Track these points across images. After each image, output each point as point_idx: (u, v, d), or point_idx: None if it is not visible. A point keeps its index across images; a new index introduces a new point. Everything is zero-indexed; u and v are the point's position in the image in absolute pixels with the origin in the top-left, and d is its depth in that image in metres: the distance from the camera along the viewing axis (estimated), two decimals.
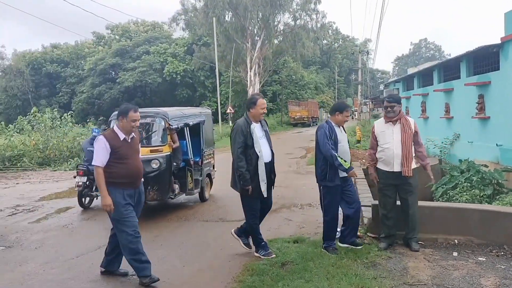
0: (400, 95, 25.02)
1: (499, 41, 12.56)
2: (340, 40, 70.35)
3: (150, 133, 7.10)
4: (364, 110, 38.90)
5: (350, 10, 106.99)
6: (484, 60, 14.23)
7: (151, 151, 6.84)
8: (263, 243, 5.00)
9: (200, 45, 42.13)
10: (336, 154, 4.74)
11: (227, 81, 38.84)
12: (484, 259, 4.57)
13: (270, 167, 4.93)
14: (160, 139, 7.10)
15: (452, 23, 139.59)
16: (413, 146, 4.96)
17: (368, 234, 5.47)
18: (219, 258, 5.02)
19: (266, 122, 5.20)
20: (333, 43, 68.09)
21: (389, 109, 4.98)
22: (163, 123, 7.13)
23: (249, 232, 5.04)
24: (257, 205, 4.90)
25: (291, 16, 37.35)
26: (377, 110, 44.37)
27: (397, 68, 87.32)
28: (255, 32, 36.90)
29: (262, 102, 4.91)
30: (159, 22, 54.85)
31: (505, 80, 11.89)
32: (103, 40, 55.68)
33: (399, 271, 4.37)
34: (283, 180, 10.54)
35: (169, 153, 7.03)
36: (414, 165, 4.96)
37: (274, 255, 4.86)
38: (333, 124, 4.98)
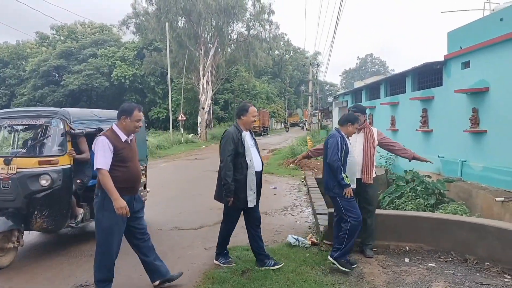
0: (348, 107, 25.90)
1: (442, 59, 13.39)
2: (292, 51, 72.02)
3: (41, 138, 5.45)
4: (314, 121, 39.84)
5: (305, 23, 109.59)
6: (428, 76, 15.10)
7: (40, 163, 5.14)
8: (225, 251, 4.97)
9: (151, 50, 41.37)
10: (341, 167, 4.60)
11: (179, 88, 38.36)
12: (434, 265, 4.81)
13: (260, 177, 4.81)
14: (56, 147, 5.36)
15: (395, 40, 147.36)
16: (375, 156, 5.18)
17: (324, 241, 5.59)
18: (177, 267, 4.91)
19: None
20: (284, 54, 69.56)
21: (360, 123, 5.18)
22: (61, 126, 5.44)
23: (220, 237, 4.94)
24: (238, 214, 4.85)
25: (245, 25, 37.71)
26: (326, 121, 45.66)
27: (344, 81, 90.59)
28: (209, 39, 36.82)
29: (254, 110, 4.83)
30: (108, 25, 53.24)
31: (447, 96, 12.69)
32: (47, 41, 52.99)
33: (355, 277, 4.49)
34: None
35: (68, 166, 5.34)
36: (374, 174, 5.16)
37: (234, 264, 4.82)
38: (344, 135, 4.81)
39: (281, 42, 64.64)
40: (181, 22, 35.97)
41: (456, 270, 4.64)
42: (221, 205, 8.42)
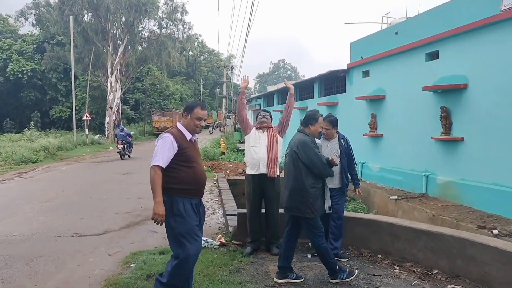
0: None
1: (346, 67, 14.33)
2: (206, 53, 71.86)
3: None
4: (228, 123, 40.12)
5: (218, 25, 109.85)
6: (333, 83, 16.05)
7: None
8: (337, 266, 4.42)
9: (53, 44, 38.50)
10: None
11: (84, 86, 36.18)
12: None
13: None
14: None
15: (306, 48, 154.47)
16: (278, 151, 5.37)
17: (233, 241, 5.66)
18: (77, 275, 4.62)
19: None
20: (199, 55, 69.17)
21: (263, 114, 5.55)
22: None
23: (322, 256, 4.41)
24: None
25: (157, 23, 36.82)
26: (238, 124, 46.14)
27: (258, 85, 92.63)
28: (118, 36, 35.29)
29: (322, 120, 4.72)
30: (3, 15, 48.40)
31: (349, 102, 13.61)
32: None
33: (261, 274, 4.61)
34: (147, 191, 10.23)
35: None
36: (278, 171, 5.35)
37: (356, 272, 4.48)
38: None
39: (195, 43, 64.32)
40: (87, 16, 34.04)
41: (352, 264, 4.99)
42: (129, 209, 8.22)
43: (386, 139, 12.11)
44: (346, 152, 5.28)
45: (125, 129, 20.56)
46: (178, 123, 3.78)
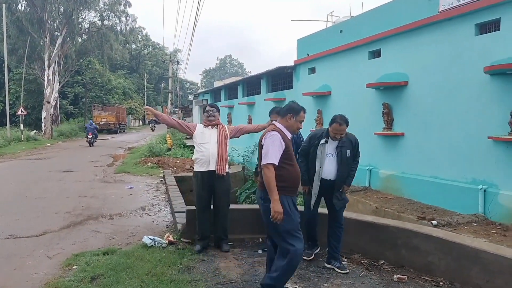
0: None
1: (292, 64, 14.49)
2: (150, 47, 69.97)
3: None
4: (174, 119, 39.39)
5: (163, 18, 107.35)
6: (281, 79, 16.18)
7: None
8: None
9: None
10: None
11: (19, 79, 33.93)
12: None
13: None
14: None
15: (253, 44, 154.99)
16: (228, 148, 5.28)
17: (182, 239, 5.51)
18: (13, 280, 4.28)
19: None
20: (143, 49, 67.21)
21: (210, 112, 5.29)
22: None
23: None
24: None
25: (98, 15, 35.25)
26: (185, 120, 45.53)
27: (205, 80, 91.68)
28: (56, 27, 33.36)
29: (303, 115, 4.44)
30: None
31: (296, 98, 13.74)
32: None
33: (211, 272, 4.52)
34: (89, 190, 9.78)
35: None
36: (227, 168, 5.27)
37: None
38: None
39: (139, 36, 62.44)
40: (21, 5, 31.91)
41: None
42: (69, 209, 7.79)
43: None
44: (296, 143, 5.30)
45: (93, 123, 25.16)
46: (276, 122, 3.88)
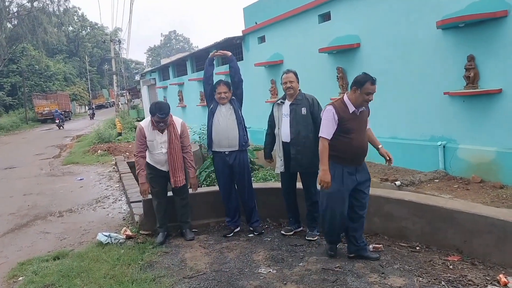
0: (157, 85, 25.22)
1: (241, 34, 13.93)
2: (88, 27, 66.14)
3: None
4: (122, 101, 37.72)
5: None
6: (230, 50, 15.54)
7: None
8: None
9: None
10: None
11: None
12: (252, 235, 4.83)
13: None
14: None
15: (197, 17, 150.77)
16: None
17: (141, 232, 5.07)
18: None
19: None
20: (80, 30, 63.39)
21: (161, 123, 4.61)
22: None
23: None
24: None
25: None
26: (133, 101, 43.84)
27: (150, 58, 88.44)
28: None
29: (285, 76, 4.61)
30: None
31: (248, 69, 13.31)
32: None
33: (177, 265, 4.15)
34: (35, 186, 9.01)
35: None
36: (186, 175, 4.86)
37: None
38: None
39: (75, 17, 58.79)
40: None
41: (273, 236, 4.75)
42: (13, 210, 7.06)
43: None
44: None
45: (58, 111, 30.97)
46: (344, 95, 3.85)
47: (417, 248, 4.05)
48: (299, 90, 4.65)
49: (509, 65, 6.39)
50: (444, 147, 7.63)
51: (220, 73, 15.35)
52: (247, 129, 4.99)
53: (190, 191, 4.94)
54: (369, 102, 3.78)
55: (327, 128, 3.75)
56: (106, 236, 4.88)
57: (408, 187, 7.04)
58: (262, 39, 13.25)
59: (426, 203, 4.06)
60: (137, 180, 5.25)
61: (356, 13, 9.36)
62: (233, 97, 4.92)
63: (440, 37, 7.44)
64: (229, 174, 4.87)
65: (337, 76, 9.93)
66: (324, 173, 3.74)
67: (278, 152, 4.68)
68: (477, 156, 7.07)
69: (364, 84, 3.66)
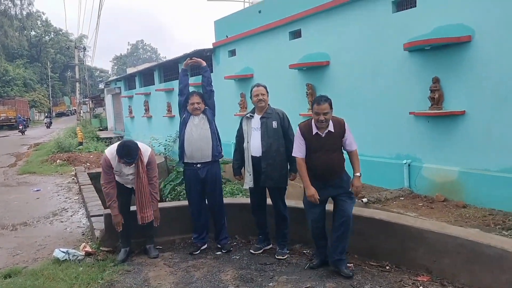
0: (122, 94, 24.67)
1: (211, 46, 13.86)
2: (52, 33, 64.18)
3: None
4: (84, 109, 36.59)
5: (64, 1, 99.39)
6: None
7: None
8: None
9: None
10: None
11: None
12: (220, 253, 4.67)
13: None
14: None
15: (167, 28, 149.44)
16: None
17: (101, 248, 4.79)
18: None
19: None
20: (43, 35, 61.42)
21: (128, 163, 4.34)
22: None
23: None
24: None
25: None
26: (96, 110, 42.69)
27: (116, 67, 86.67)
28: None
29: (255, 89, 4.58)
30: None
31: (218, 82, 13.18)
32: None
33: (140, 285, 3.93)
34: None
35: None
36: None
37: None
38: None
39: (38, 22, 56.99)
40: None
41: (242, 254, 4.61)
42: None
43: None
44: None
45: (21, 117, 31.38)
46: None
47: (387, 267, 4.01)
48: (268, 104, 4.60)
49: (473, 87, 6.62)
50: (409, 165, 7.78)
51: (190, 84, 15.16)
52: (220, 140, 4.86)
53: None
54: (321, 123, 3.83)
55: (298, 147, 4.00)
56: (64, 252, 4.57)
57: (374, 204, 7.10)
58: (232, 53, 13.23)
59: (396, 222, 4.06)
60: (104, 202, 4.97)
61: (327, 32, 9.51)
62: (207, 107, 4.80)
63: (407, 59, 7.64)
64: (200, 189, 4.72)
65: (307, 92, 10.00)
66: (306, 189, 3.94)
67: (247, 167, 4.57)
68: (441, 175, 7.24)
69: (313, 105, 3.93)
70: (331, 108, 3.86)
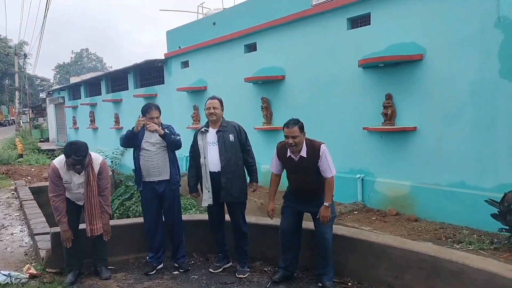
0: (66, 104, 23.55)
1: (163, 57, 13.58)
2: None
3: None
4: (24, 119, 34.50)
5: (5, 6, 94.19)
6: (151, 73, 15.11)
7: None
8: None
9: None
10: None
11: None
12: (177, 272, 4.45)
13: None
14: None
15: (113, 37, 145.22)
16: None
17: (47, 270, 4.40)
18: None
19: None
20: None
21: (78, 166, 4.00)
22: None
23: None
24: None
25: None
26: (37, 120, 40.46)
27: (58, 76, 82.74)
28: None
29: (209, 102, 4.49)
30: None
31: (170, 93, 12.98)
32: None
33: None
34: None
35: None
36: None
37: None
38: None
39: None
40: None
41: (200, 274, 4.42)
42: None
43: None
44: None
45: None
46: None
47: (349, 284, 4.00)
48: (223, 117, 4.49)
49: (424, 104, 6.89)
50: (362, 179, 7.93)
51: (138, 95, 14.78)
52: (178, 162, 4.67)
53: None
54: (291, 146, 3.91)
55: (274, 164, 4.23)
56: (5, 275, 4.15)
57: (340, 220, 7.13)
58: (185, 64, 13.02)
59: (359, 237, 4.07)
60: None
61: (282, 46, 9.59)
62: (164, 123, 4.62)
63: (361, 75, 7.84)
64: (157, 205, 4.48)
65: (262, 106, 10.00)
66: (269, 203, 4.26)
67: (204, 183, 4.40)
68: (393, 190, 7.43)
69: (283, 128, 4.01)
70: (301, 131, 3.86)
